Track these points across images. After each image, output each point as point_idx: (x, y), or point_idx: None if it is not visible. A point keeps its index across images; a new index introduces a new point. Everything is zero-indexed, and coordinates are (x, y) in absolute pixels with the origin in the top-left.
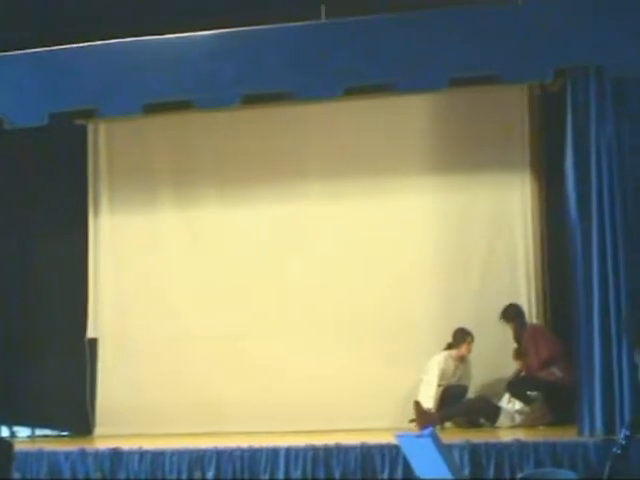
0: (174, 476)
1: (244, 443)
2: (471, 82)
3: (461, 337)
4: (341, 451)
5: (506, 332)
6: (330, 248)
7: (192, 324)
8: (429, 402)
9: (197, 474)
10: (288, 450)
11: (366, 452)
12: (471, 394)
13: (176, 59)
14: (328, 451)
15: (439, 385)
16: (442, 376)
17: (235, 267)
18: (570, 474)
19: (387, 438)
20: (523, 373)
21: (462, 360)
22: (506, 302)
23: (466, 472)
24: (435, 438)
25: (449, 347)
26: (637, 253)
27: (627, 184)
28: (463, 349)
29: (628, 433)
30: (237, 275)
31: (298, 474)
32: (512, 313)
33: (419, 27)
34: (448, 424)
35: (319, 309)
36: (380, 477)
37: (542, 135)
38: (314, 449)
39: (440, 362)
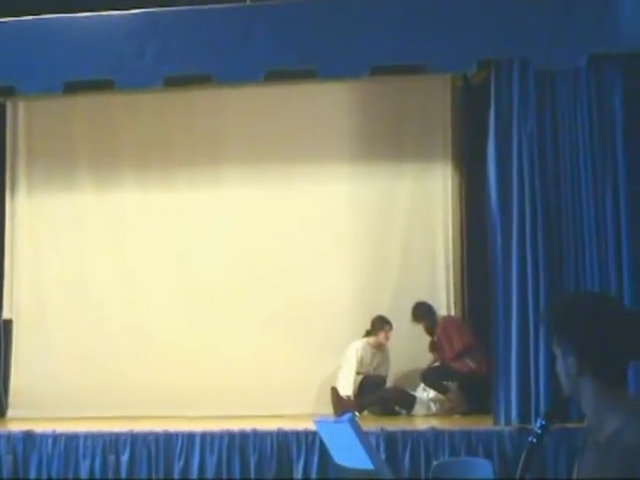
0: (88, 459)
1: (160, 427)
2: (394, 71)
3: (379, 325)
4: (257, 437)
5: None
6: (248, 234)
7: (111, 308)
8: (347, 389)
9: (111, 458)
10: (204, 435)
11: (282, 438)
12: (389, 383)
13: (98, 38)
14: (244, 436)
15: (357, 373)
16: (360, 363)
17: (155, 251)
18: (485, 462)
19: (305, 424)
20: (437, 364)
21: (380, 348)
22: (424, 293)
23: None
24: (354, 424)
25: (367, 334)
26: (556, 246)
27: (548, 177)
28: (381, 337)
29: (544, 422)
30: (158, 259)
31: (214, 459)
32: (420, 313)
33: (343, 14)
34: (365, 412)
35: (237, 295)
36: (296, 463)
37: (464, 127)
38: (230, 434)
39: (358, 349)
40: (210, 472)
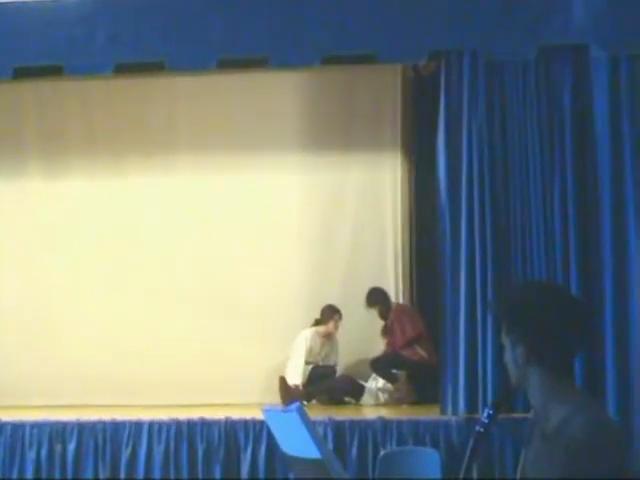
0: (34, 448)
1: (107, 416)
2: (345, 61)
3: (329, 314)
4: (205, 425)
5: (374, 312)
6: (198, 222)
7: (59, 296)
8: (296, 379)
9: (58, 447)
10: (151, 424)
11: (230, 427)
12: (339, 372)
13: (48, 23)
14: (192, 425)
15: (306, 362)
16: (309, 353)
17: (105, 239)
18: (432, 452)
19: (253, 413)
20: (388, 350)
21: (329, 337)
22: (374, 281)
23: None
24: (301, 413)
25: (317, 323)
26: (504, 236)
27: (497, 168)
28: (330, 326)
29: (491, 412)
30: (107, 247)
31: (161, 448)
32: (375, 298)
33: (295, 2)
34: (313, 402)
35: (185, 284)
36: (244, 452)
37: (415, 117)
38: (178, 423)
39: (307, 338)
40: (157, 461)
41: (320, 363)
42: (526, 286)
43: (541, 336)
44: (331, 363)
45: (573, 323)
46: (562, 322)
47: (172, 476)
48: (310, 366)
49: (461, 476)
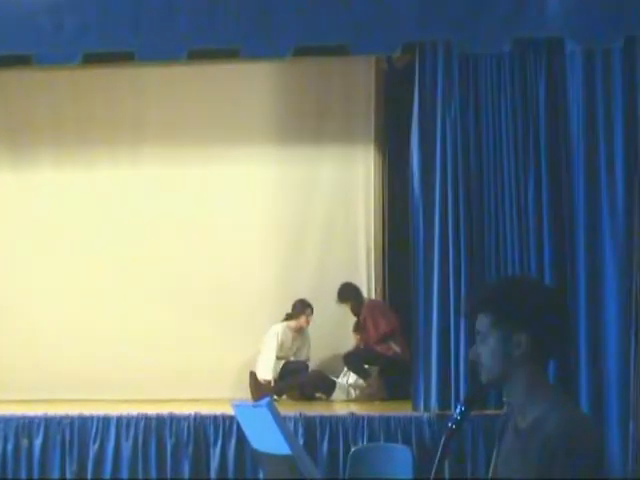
0: (0, 443)
1: (74, 411)
2: (318, 53)
3: (300, 308)
4: (174, 421)
5: (346, 307)
6: (167, 216)
7: (25, 288)
8: (267, 374)
9: (24, 441)
10: (119, 419)
11: (199, 422)
12: (311, 368)
13: (16, 13)
14: (160, 421)
15: (278, 357)
16: (280, 348)
17: (72, 229)
18: (404, 448)
19: (222, 409)
20: (361, 346)
21: (300, 332)
22: (346, 276)
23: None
24: (272, 408)
25: (288, 318)
26: (478, 231)
27: (471, 162)
28: (302, 320)
29: (463, 409)
30: (74, 238)
31: (129, 444)
32: (347, 293)
33: None
34: (284, 397)
35: (153, 279)
36: (213, 448)
37: (388, 110)
38: (146, 418)
39: (278, 333)
40: (125, 456)
41: (292, 358)
42: (514, 277)
43: (545, 329)
44: (303, 358)
45: (566, 316)
46: (560, 314)
47: (140, 471)
48: (281, 361)
49: (433, 473)
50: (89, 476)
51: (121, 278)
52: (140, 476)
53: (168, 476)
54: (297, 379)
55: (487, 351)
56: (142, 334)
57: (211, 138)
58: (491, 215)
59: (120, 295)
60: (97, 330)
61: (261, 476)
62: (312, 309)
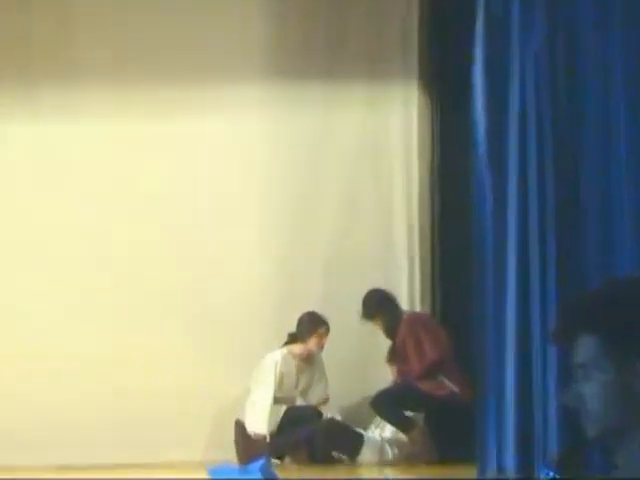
0: None
1: None
2: None
3: (310, 326)
4: None
5: (376, 326)
6: (117, 188)
7: None
8: (260, 425)
9: None
10: None
11: None
12: (326, 415)
13: None
14: None
15: (276, 400)
16: (279, 385)
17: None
18: None
19: (194, 475)
20: (398, 382)
21: (309, 360)
22: (375, 279)
23: None
24: (268, 475)
25: (292, 341)
26: (574, 212)
27: (562, 118)
28: (311, 343)
29: (554, 475)
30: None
31: None
32: (376, 305)
33: None
34: (285, 459)
35: (100, 278)
36: None
37: (438, 35)
38: None
39: (277, 363)
40: None
41: (297, 401)
42: (633, 279)
43: None
44: (314, 400)
45: None
46: None
47: None
48: (283, 406)
49: None
50: None
51: (50, 279)
52: None
53: None
54: (306, 432)
55: (596, 391)
56: (76, 367)
57: (179, 77)
58: (594, 186)
59: (45, 299)
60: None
61: None
62: (327, 327)
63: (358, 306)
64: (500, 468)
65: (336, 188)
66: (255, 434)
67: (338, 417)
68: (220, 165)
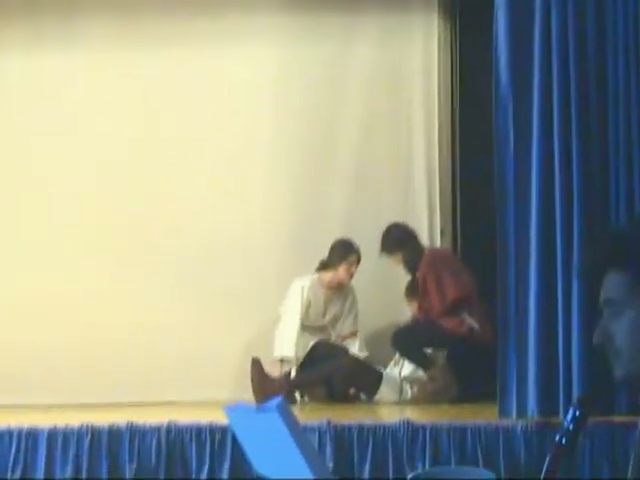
0: None
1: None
2: None
3: (340, 254)
4: (135, 435)
5: (395, 261)
6: (121, 130)
7: None
8: (288, 349)
9: None
10: (52, 434)
11: (175, 435)
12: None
13: None
14: (114, 435)
15: (305, 328)
16: (306, 311)
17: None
18: (486, 474)
19: (210, 415)
20: (420, 320)
21: (339, 289)
22: (395, 214)
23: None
24: (285, 413)
25: (323, 268)
26: (600, 146)
27: (590, 45)
28: (340, 271)
29: (578, 414)
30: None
31: (67, 470)
32: (396, 240)
33: None
34: (303, 396)
35: (108, 220)
36: (196, 474)
37: None
38: (92, 431)
39: (303, 289)
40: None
41: (332, 337)
42: None
43: None
44: (342, 333)
45: None
46: None
47: None
48: (311, 337)
49: None
50: None
51: (54, 222)
52: None
53: None
54: (323, 369)
55: (625, 328)
56: (87, 304)
57: (201, 9)
58: (620, 114)
59: (57, 249)
60: (24, 302)
61: None
62: (358, 256)
63: (376, 242)
64: (521, 409)
65: (353, 121)
66: (283, 358)
67: (365, 352)
68: (234, 97)
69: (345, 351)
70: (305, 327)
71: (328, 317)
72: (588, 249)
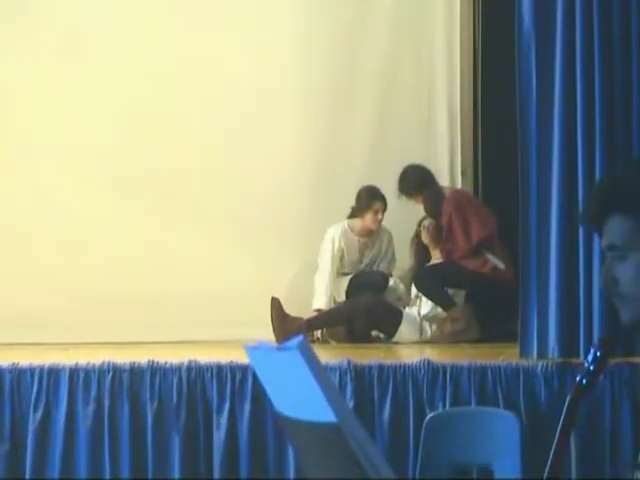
0: None
1: (6, 359)
2: None
3: (365, 201)
4: (156, 373)
5: (414, 203)
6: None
7: None
8: (319, 300)
9: None
10: (73, 371)
11: (196, 374)
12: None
13: None
14: (136, 374)
15: (343, 274)
16: (341, 260)
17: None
18: (506, 415)
19: (230, 354)
20: (442, 261)
21: (371, 235)
22: (415, 155)
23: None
24: (306, 352)
25: (353, 215)
26: (623, 87)
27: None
28: (367, 219)
29: (599, 354)
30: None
31: (89, 410)
32: (416, 182)
33: None
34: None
35: (138, 170)
36: (217, 414)
37: None
38: (114, 370)
39: (334, 238)
40: (82, 432)
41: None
42: None
43: None
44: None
45: None
46: None
47: (106, 453)
48: (346, 277)
49: (553, 451)
50: (27, 468)
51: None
52: (106, 461)
53: (148, 460)
54: (344, 309)
55: (630, 274)
56: (119, 254)
57: None
58: None
59: (88, 194)
60: (45, 243)
61: (291, 457)
62: (384, 202)
63: (394, 185)
64: (542, 350)
65: (375, 64)
66: (316, 310)
67: (401, 288)
68: (255, 44)
69: (385, 279)
70: (344, 274)
71: (364, 263)
72: (590, 194)
